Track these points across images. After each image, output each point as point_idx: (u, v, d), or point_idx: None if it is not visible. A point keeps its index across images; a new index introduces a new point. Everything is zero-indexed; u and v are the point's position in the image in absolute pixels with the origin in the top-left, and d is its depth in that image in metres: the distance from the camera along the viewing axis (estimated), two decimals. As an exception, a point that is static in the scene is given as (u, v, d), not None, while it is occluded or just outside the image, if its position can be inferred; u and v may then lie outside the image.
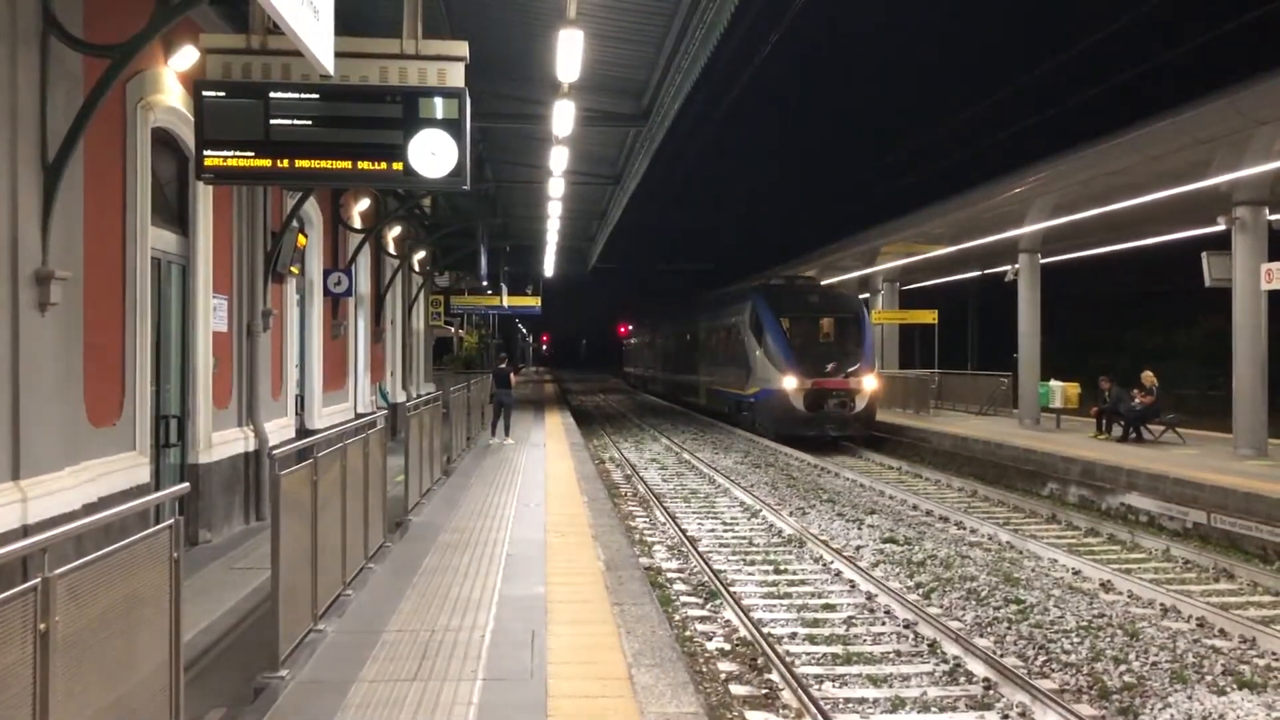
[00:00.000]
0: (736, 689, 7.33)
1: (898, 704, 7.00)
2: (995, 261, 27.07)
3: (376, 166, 7.85)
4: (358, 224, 17.85)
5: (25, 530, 6.50)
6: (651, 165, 19.89)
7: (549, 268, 37.99)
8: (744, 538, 13.10)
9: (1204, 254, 18.02)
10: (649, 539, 13.02)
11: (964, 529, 13.53)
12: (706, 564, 11.21)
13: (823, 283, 34.72)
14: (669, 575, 10.93)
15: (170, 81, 9.48)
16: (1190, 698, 7.05)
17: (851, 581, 10.56)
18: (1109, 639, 8.45)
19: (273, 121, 7.71)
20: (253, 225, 11.79)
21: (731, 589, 10.12)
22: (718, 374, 32.86)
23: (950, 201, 22.92)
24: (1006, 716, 6.76)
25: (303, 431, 13.88)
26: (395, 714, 5.29)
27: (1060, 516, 14.51)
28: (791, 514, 14.63)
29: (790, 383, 25.09)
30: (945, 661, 7.92)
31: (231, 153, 7.74)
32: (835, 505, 15.57)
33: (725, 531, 13.57)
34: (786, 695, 7.15)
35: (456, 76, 7.97)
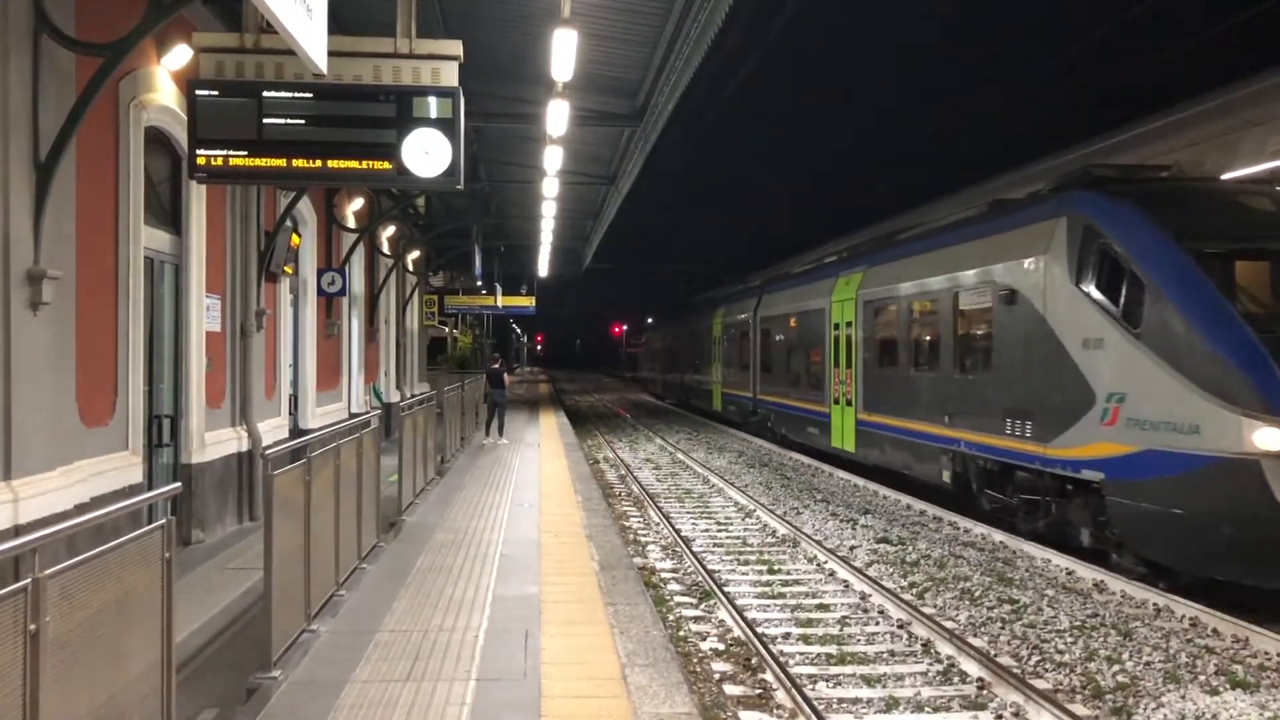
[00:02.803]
0: (730, 689, 7.32)
1: (892, 704, 7.00)
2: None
3: (370, 166, 7.85)
4: (352, 223, 17.84)
5: (16, 530, 6.48)
6: (646, 165, 19.90)
7: (543, 267, 38.03)
8: (738, 538, 13.10)
9: None
10: (643, 539, 13.01)
11: (958, 529, 13.54)
12: (700, 564, 11.20)
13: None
14: (663, 575, 10.93)
15: (163, 80, 9.46)
16: (1183, 697, 7.06)
17: (845, 581, 10.57)
18: (1102, 639, 8.46)
19: (266, 120, 7.70)
20: (246, 225, 11.78)
21: (725, 589, 10.12)
22: (933, 402, 14.78)
23: (953, 197, 22.71)
24: (1000, 716, 6.76)
25: (296, 431, 13.85)
26: (388, 714, 5.28)
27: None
28: (786, 514, 14.63)
29: (1268, 438, 8.99)
30: (939, 661, 7.92)
31: (225, 152, 7.73)
32: (829, 505, 15.58)
33: (719, 531, 13.57)
34: (780, 695, 7.15)
35: (450, 76, 7.97)
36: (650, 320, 62.16)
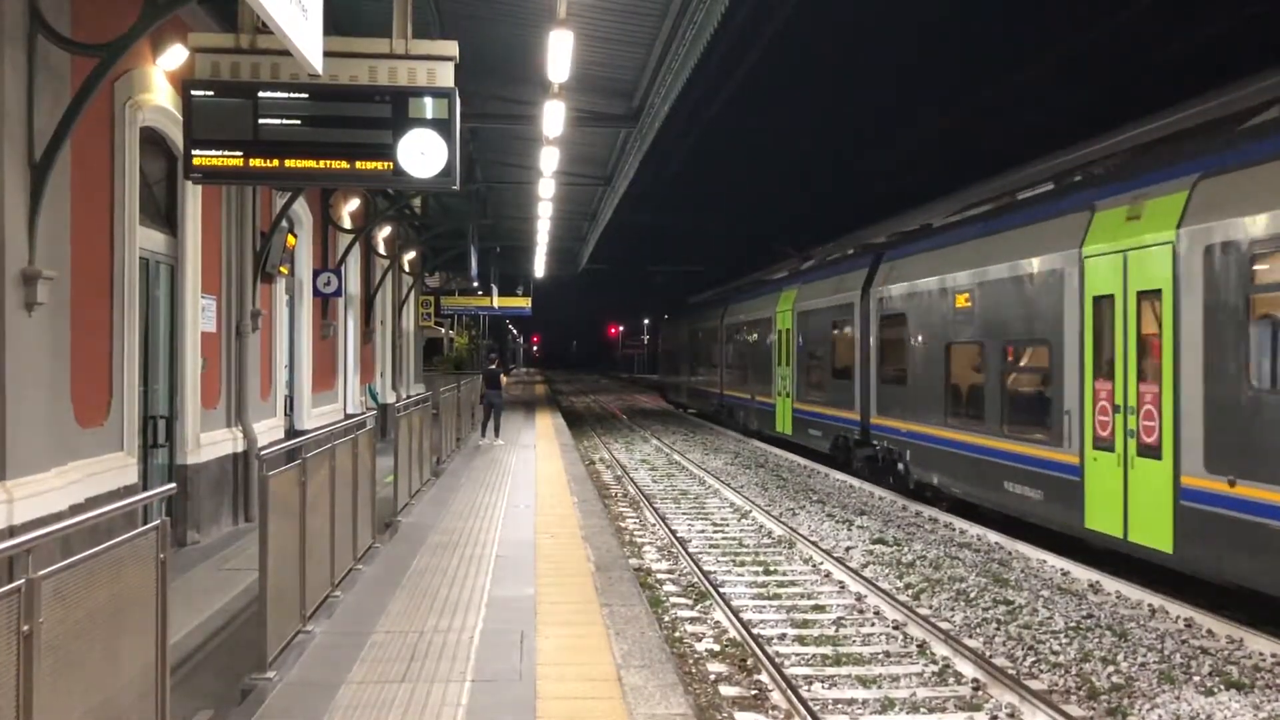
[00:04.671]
0: (726, 690, 7.32)
1: (887, 705, 7.01)
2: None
3: (366, 166, 7.83)
4: (347, 224, 17.81)
5: (11, 531, 6.46)
6: (642, 166, 19.90)
7: (539, 268, 37.99)
8: (734, 538, 13.10)
9: None
10: (639, 540, 13.01)
11: (953, 529, 13.55)
12: (696, 565, 11.21)
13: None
14: (659, 576, 10.93)
15: (159, 81, 9.45)
16: (1178, 698, 7.08)
17: (841, 582, 10.58)
18: (1098, 639, 8.47)
19: (262, 121, 7.69)
20: (241, 225, 11.76)
21: (721, 590, 10.12)
22: None
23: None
24: (995, 717, 6.77)
25: (292, 432, 13.84)
26: (383, 716, 5.27)
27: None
28: (781, 515, 14.64)
29: None
30: (934, 662, 7.93)
31: (220, 152, 7.71)
32: (825, 506, 15.58)
33: (715, 532, 13.57)
34: (776, 696, 7.15)
35: (446, 76, 7.96)
36: (668, 315, 49.62)
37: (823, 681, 7.48)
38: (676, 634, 8.72)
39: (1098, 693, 7.21)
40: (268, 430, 12.39)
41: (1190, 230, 9.30)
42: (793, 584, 10.57)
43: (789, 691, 7.07)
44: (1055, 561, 11.26)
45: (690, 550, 12.14)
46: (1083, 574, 10.68)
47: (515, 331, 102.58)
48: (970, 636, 8.59)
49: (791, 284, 23.52)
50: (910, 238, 17.45)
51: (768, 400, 24.62)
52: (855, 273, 18.71)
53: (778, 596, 10.03)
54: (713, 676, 7.64)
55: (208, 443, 10.67)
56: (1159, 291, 9.72)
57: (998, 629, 8.83)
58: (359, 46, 7.99)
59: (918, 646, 8.35)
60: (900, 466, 15.96)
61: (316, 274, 16.01)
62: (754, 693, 7.27)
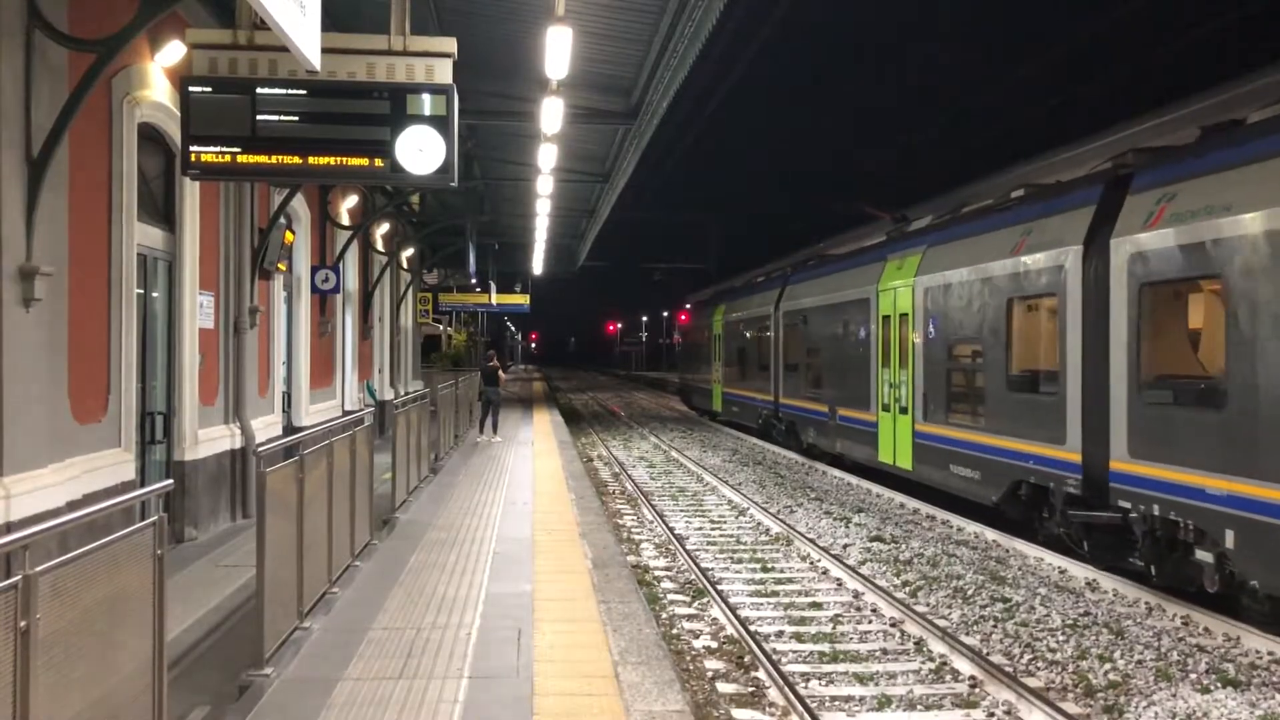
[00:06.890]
0: (723, 687, 7.33)
1: (884, 702, 7.02)
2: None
3: (364, 163, 7.83)
4: (346, 221, 17.80)
5: (8, 527, 6.46)
6: (640, 163, 19.90)
7: (538, 265, 37.99)
8: (731, 536, 13.11)
9: None
10: (636, 537, 13.01)
11: (950, 527, 13.57)
12: (694, 562, 11.21)
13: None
14: (656, 573, 10.93)
15: (156, 77, 9.44)
16: (1175, 695, 7.08)
17: (839, 580, 10.58)
18: (1094, 637, 8.48)
19: (259, 117, 7.67)
20: (239, 222, 11.75)
21: (719, 587, 10.12)
22: None
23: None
24: (992, 714, 6.78)
25: (289, 429, 13.83)
26: (380, 712, 5.28)
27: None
28: (779, 512, 14.64)
29: None
30: (931, 660, 7.94)
31: (218, 148, 7.70)
32: (823, 503, 15.59)
33: (713, 530, 13.58)
34: (773, 693, 7.16)
35: (444, 73, 7.95)
36: (690, 304, 41.02)
37: (820, 679, 7.49)
38: (674, 631, 8.72)
39: (1094, 690, 7.22)
40: (265, 427, 12.39)
41: None
42: (790, 581, 10.57)
43: (786, 689, 7.07)
44: (1052, 559, 11.27)
45: (688, 547, 12.14)
46: (1080, 572, 10.69)
47: (513, 328, 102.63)
48: (967, 634, 8.60)
49: (907, 247, 16.21)
50: (1191, 152, 9.64)
51: (862, 416, 17.53)
52: (1060, 217, 11.51)
53: (775, 594, 10.04)
54: (710, 673, 7.64)
55: (205, 439, 10.67)
56: None
57: (995, 626, 8.83)
58: (357, 43, 7.98)
59: (915, 644, 8.35)
60: (1204, 557, 8.94)
61: (314, 270, 16.00)
62: (751, 690, 7.28)
